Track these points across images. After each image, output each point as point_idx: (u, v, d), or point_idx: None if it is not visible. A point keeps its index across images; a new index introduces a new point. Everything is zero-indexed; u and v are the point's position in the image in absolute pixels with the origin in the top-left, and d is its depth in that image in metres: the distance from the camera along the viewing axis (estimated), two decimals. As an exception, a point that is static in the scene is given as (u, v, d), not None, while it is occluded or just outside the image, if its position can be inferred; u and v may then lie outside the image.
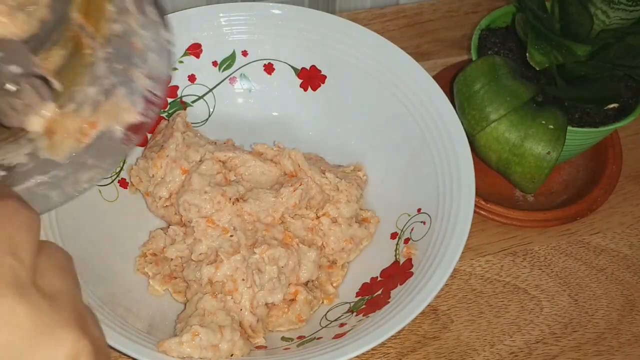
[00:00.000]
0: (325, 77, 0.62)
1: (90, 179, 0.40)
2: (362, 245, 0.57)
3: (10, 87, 0.36)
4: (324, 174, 0.56)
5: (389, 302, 0.50)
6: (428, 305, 0.48)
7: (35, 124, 0.38)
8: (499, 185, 0.62)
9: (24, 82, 0.36)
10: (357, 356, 0.47)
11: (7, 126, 0.38)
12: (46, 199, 0.40)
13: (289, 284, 0.53)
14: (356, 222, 0.56)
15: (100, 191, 0.57)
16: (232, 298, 0.50)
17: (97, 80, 0.39)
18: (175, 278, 0.54)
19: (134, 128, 0.39)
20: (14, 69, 0.36)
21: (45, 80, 0.37)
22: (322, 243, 0.55)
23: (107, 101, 0.39)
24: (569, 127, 0.56)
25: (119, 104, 0.39)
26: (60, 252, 0.32)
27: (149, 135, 0.60)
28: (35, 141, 0.39)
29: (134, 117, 0.39)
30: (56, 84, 0.37)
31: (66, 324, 0.27)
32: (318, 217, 0.56)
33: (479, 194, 0.56)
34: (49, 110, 0.38)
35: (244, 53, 0.62)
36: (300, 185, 0.54)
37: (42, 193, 0.40)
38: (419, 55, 0.70)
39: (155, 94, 0.39)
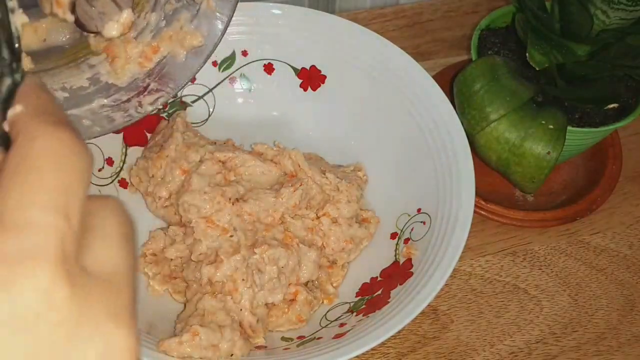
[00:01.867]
0: (325, 77, 0.62)
1: (153, 101, 0.40)
2: (362, 245, 0.57)
3: None
4: (324, 174, 0.56)
5: (388, 302, 0.50)
6: (428, 305, 0.48)
7: (112, 29, 0.38)
8: (499, 185, 0.62)
9: None
10: (357, 356, 0.47)
11: (86, 29, 0.38)
12: (110, 120, 0.39)
13: (289, 284, 0.53)
14: (356, 222, 0.56)
15: (100, 191, 0.57)
16: (232, 298, 0.50)
17: (159, 5, 0.39)
18: (175, 278, 0.54)
19: (195, 52, 0.39)
20: None
21: None
22: (322, 243, 0.55)
23: (171, 26, 0.39)
24: (569, 127, 0.56)
25: (183, 28, 0.39)
26: (119, 212, 0.23)
27: (148, 136, 0.60)
28: (96, 67, 0.40)
29: (198, 41, 0.39)
30: None
31: (116, 317, 0.20)
32: (318, 217, 0.56)
33: (479, 194, 0.56)
34: (127, 16, 0.38)
35: (244, 53, 0.62)
36: (301, 185, 0.54)
37: (105, 114, 0.39)
38: (419, 55, 0.70)
39: (222, 15, 0.39)
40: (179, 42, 0.40)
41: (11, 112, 0.22)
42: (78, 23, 0.38)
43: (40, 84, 0.23)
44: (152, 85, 0.40)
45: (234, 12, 0.40)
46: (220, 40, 0.41)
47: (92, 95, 0.40)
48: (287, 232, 0.54)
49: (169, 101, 0.61)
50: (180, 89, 0.41)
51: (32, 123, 0.21)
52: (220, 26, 0.40)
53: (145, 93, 0.40)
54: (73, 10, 0.37)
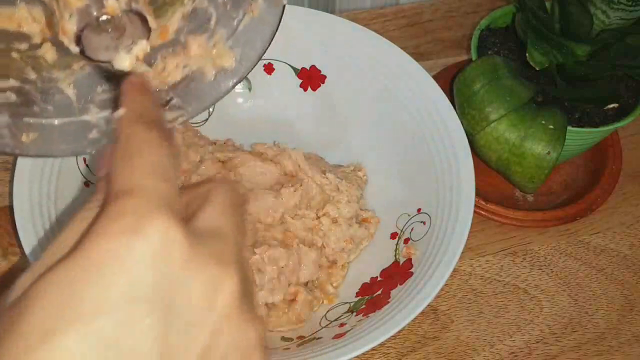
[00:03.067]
0: (325, 77, 0.62)
1: (173, 119, 0.38)
2: (362, 245, 0.57)
3: (105, 17, 0.33)
4: (324, 174, 0.56)
5: (389, 302, 0.50)
6: (428, 305, 0.48)
7: (124, 60, 0.36)
8: (499, 185, 0.62)
9: (123, 17, 0.33)
10: (357, 356, 0.47)
11: (94, 60, 0.35)
12: None
13: (289, 284, 0.53)
14: (356, 222, 0.56)
15: (100, 191, 0.57)
16: (232, 298, 0.50)
17: (194, 18, 0.37)
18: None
19: (224, 74, 0.37)
20: (113, 2, 0.33)
21: (141, 16, 0.34)
22: (322, 243, 0.55)
23: (202, 41, 0.37)
24: (569, 127, 0.56)
25: (216, 46, 0.37)
26: (229, 189, 0.29)
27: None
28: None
29: (229, 63, 0.38)
30: (152, 23, 0.34)
31: (222, 263, 0.25)
32: (318, 217, 0.56)
33: (479, 194, 0.56)
34: (141, 48, 0.35)
35: (244, 53, 0.62)
36: (301, 185, 0.54)
37: None
38: (419, 55, 0.70)
39: (255, 43, 0.38)
40: (209, 60, 0.38)
41: (116, 115, 0.29)
42: (84, 55, 0.35)
43: (141, 84, 0.31)
44: (175, 101, 0.38)
45: (275, 32, 0.39)
46: (256, 64, 0.39)
47: (109, 105, 0.38)
48: (287, 232, 0.54)
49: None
50: (203, 111, 0.40)
51: (130, 125, 0.28)
52: (257, 49, 0.39)
53: (167, 108, 0.38)
54: (78, 42, 0.34)
